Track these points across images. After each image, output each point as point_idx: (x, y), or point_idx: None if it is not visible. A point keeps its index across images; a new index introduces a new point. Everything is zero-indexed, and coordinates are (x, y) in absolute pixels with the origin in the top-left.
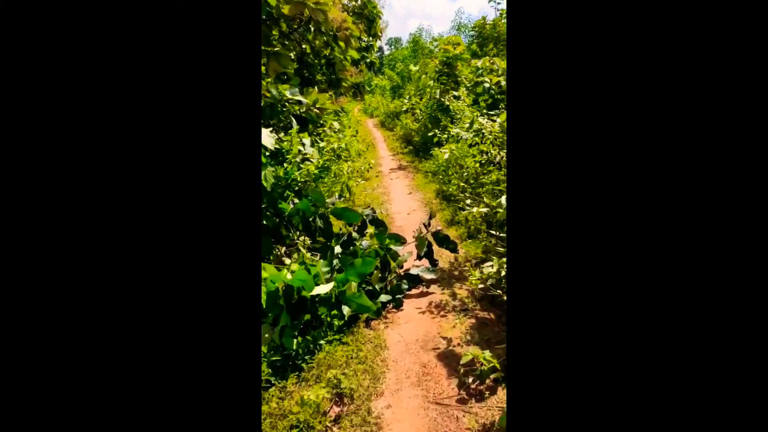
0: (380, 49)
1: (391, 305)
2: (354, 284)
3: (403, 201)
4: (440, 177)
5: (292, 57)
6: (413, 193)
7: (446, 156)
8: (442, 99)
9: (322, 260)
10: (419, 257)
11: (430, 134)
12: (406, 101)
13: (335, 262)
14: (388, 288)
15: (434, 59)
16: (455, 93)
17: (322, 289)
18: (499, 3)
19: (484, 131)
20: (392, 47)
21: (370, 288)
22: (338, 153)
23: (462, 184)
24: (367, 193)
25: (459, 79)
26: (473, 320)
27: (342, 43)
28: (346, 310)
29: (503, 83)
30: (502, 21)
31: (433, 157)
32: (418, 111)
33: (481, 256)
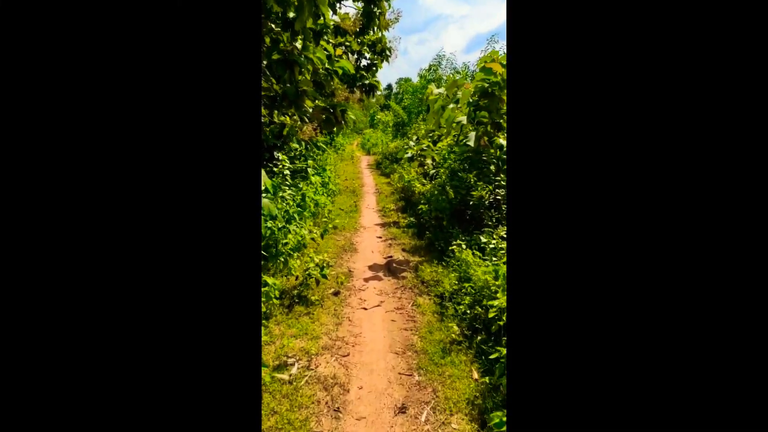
0: (389, 86)
1: None
2: None
3: None
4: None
5: None
6: (413, 400)
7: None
8: (481, 150)
9: None
10: None
11: (449, 207)
12: (412, 143)
13: None
14: None
15: (467, 86)
16: (501, 140)
17: None
18: None
19: None
20: (401, 86)
21: None
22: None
23: None
24: (282, 401)
25: (501, 120)
26: None
27: (305, 10)
28: None
29: None
30: None
31: (460, 264)
32: (429, 161)
33: None
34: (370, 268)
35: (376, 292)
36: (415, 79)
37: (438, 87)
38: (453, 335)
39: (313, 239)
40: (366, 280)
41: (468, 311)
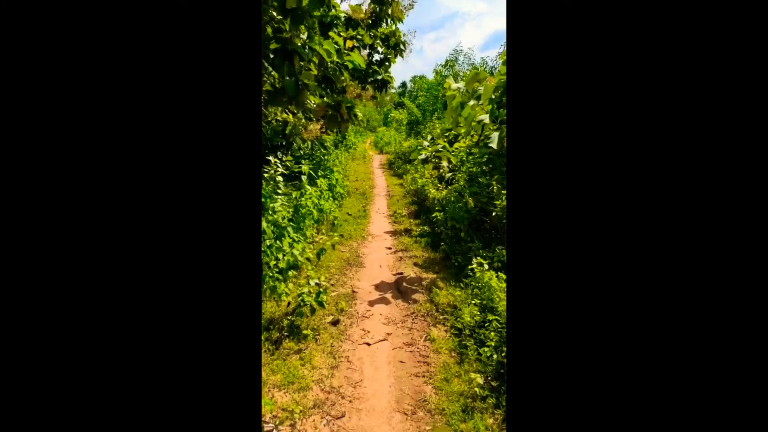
0: (403, 84)
1: None
2: None
3: None
4: None
5: None
6: None
7: None
8: (505, 153)
9: None
10: None
11: (467, 217)
12: (426, 143)
13: None
14: None
15: (490, 80)
16: None
17: None
18: None
19: None
20: (416, 82)
21: None
22: None
23: None
24: None
25: None
26: None
27: None
28: None
29: None
30: None
31: (482, 289)
32: (445, 164)
33: None
34: (377, 287)
35: (383, 320)
36: (431, 77)
37: (456, 82)
38: (476, 388)
39: (308, 259)
40: (371, 303)
41: (494, 354)
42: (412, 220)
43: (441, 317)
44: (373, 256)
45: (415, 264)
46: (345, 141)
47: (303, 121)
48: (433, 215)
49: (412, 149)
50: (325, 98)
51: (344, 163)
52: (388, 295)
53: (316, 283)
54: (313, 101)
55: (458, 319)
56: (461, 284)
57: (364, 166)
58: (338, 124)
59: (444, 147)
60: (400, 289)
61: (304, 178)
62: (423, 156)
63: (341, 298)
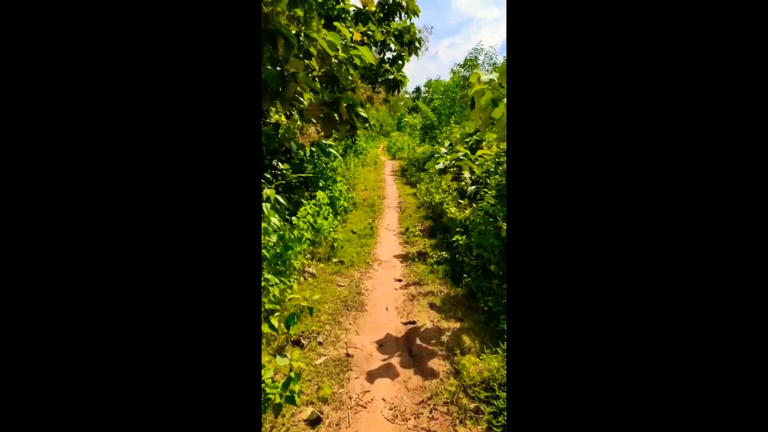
0: (417, 89)
1: None
2: None
3: None
4: None
5: None
6: None
7: None
8: None
9: None
10: None
11: (498, 244)
12: (444, 150)
13: None
14: None
15: None
16: None
17: None
18: None
19: None
20: (431, 85)
21: None
22: None
23: None
24: None
25: None
26: None
27: None
28: None
29: None
30: None
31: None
32: (467, 174)
33: None
34: (381, 346)
35: (386, 413)
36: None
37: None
38: None
39: (273, 327)
40: (371, 377)
41: None
42: (426, 240)
43: (472, 406)
44: (378, 293)
45: (432, 306)
46: (354, 146)
47: (299, 123)
48: (454, 239)
49: (426, 156)
50: (325, 95)
51: (353, 170)
52: (395, 361)
53: (294, 342)
54: (307, 98)
55: (498, 418)
56: (499, 349)
57: (375, 173)
58: (336, 126)
59: (465, 155)
60: (411, 349)
61: (266, 207)
62: (440, 165)
63: (329, 368)
